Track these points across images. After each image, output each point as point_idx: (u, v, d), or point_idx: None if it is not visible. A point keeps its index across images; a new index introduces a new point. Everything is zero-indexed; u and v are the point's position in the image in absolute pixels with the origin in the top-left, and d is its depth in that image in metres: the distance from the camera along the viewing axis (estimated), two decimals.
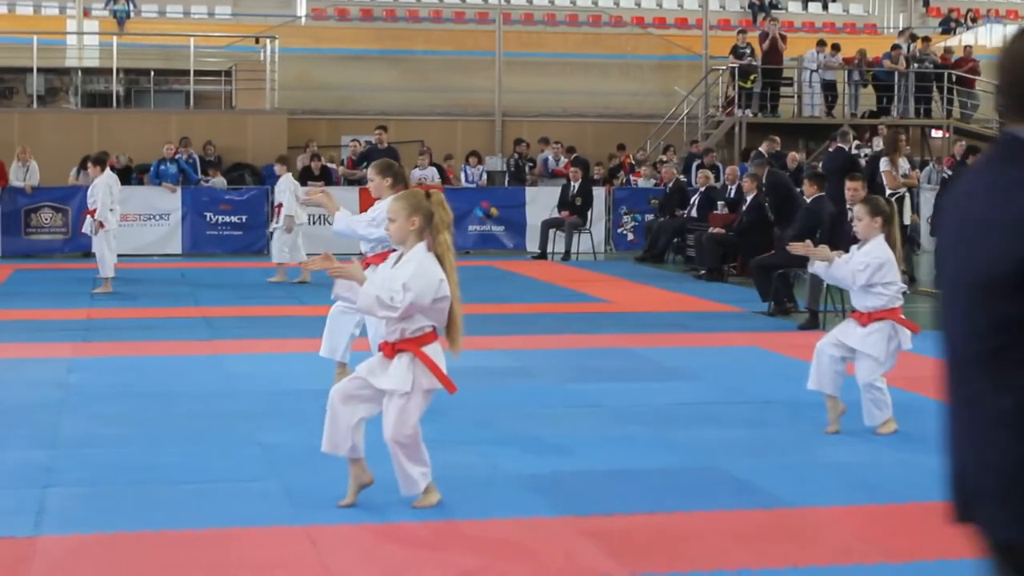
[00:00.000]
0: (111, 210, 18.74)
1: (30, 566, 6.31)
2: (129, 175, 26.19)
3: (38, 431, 9.33)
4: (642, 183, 27.92)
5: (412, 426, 7.18)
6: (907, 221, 19.17)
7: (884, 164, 19.33)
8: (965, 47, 33.94)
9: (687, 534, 6.91)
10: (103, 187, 18.75)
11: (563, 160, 28.34)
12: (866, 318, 9.44)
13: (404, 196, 7.42)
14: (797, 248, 9.72)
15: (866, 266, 9.36)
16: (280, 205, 20.65)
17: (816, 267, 9.69)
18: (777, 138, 26.87)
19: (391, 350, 7.20)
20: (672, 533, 6.93)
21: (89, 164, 19.91)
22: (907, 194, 19.17)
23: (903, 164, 19.54)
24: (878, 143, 21.52)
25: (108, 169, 19.62)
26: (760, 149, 25.95)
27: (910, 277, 20.29)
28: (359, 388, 7.23)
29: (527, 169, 28.49)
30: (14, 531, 6.81)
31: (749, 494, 7.71)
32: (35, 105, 29.08)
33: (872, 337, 9.42)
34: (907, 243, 20.17)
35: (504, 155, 29.68)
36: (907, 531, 7.02)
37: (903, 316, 9.67)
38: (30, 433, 9.27)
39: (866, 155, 21.47)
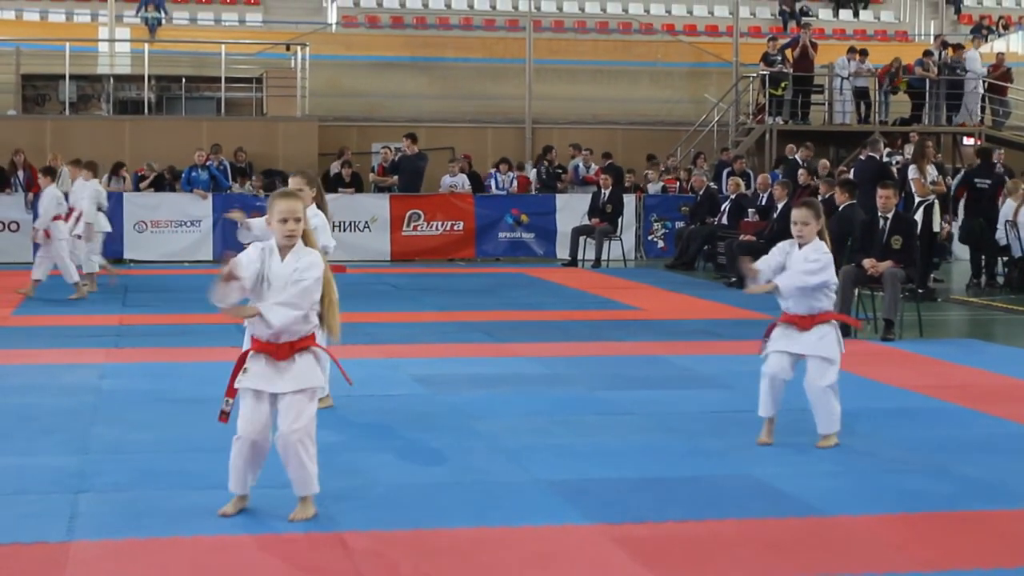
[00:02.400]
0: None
1: (63, 571, 6.33)
2: (162, 182, 26.28)
3: (70, 437, 9.36)
4: (652, 188, 27.89)
5: (313, 422, 7.23)
6: (936, 228, 19.09)
7: (912, 171, 19.28)
8: (997, 54, 33.81)
9: (718, 542, 6.89)
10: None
11: (594, 167, 28.33)
12: (809, 321, 9.31)
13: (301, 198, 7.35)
14: (745, 266, 9.48)
15: (821, 267, 9.27)
16: (78, 212, 19.00)
17: (754, 287, 9.45)
18: (811, 145, 26.88)
19: (289, 350, 7.16)
20: (703, 541, 6.91)
21: (41, 175, 19.43)
22: (936, 201, 19.09)
23: (931, 171, 19.46)
24: (909, 151, 21.44)
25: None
26: (796, 156, 25.94)
27: (934, 283, 20.28)
28: (266, 415, 7.19)
29: (558, 176, 28.48)
30: (47, 536, 6.82)
31: (781, 502, 7.68)
32: (67, 112, 29.22)
33: (826, 340, 9.32)
34: (936, 251, 20.16)
35: (534, 162, 29.65)
36: (941, 540, 6.98)
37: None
38: (63, 439, 9.30)
39: (897, 163, 21.39)
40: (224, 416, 7.23)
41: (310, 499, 7.25)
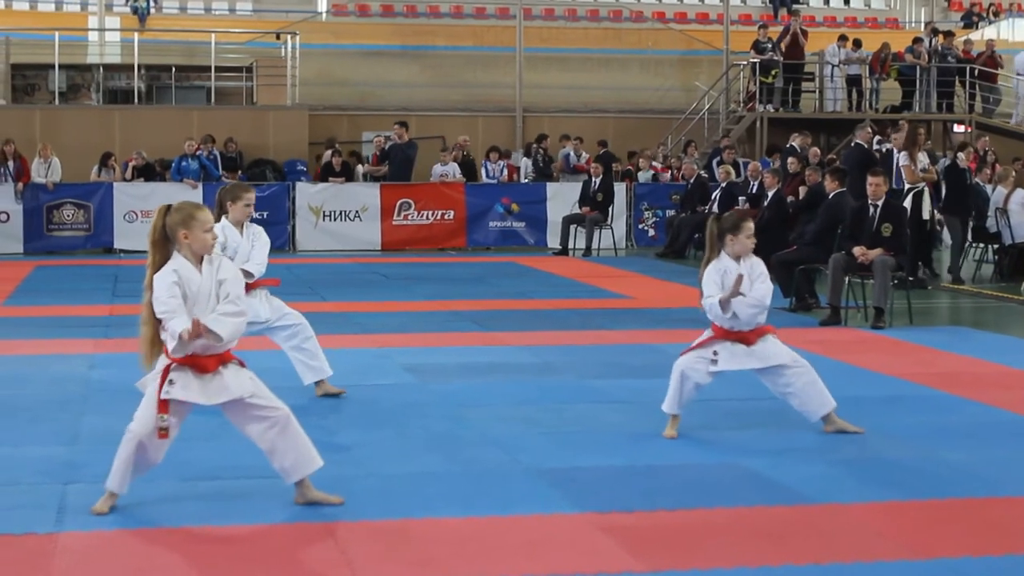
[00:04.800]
0: None
1: (51, 561, 6.32)
2: (152, 172, 26.24)
3: (60, 427, 9.36)
4: (642, 176, 27.86)
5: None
6: (926, 216, 19.09)
7: (903, 158, 19.27)
8: (987, 41, 33.82)
9: (708, 530, 6.89)
10: None
11: (585, 155, 28.32)
12: (755, 335, 9.16)
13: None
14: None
15: (769, 283, 9.22)
16: None
17: (715, 305, 9.06)
18: (807, 132, 26.87)
19: (217, 362, 7.15)
20: (693, 529, 6.92)
21: None
22: (925, 189, 19.09)
23: (922, 159, 19.46)
24: (895, 138, 21.43)
25: None
26: (793, 144, 25.91)
27: (932, 273, 20.28)
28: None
29: (548, 164, 28.46)
30: (36, 527, 6.82)
31: (771, 491, 7.69)
32: (57, 102, 29.19)
33: (778, 344, 9.23)
34: (929, 239, 20.14)
35: (524, 150, 29.63)
36: (930, 528, 6.99)
37: None
38: (52, 429, 9.30)
39: (887, 150, 21.38)
40: (163, 432, 7.15)
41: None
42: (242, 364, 7.28)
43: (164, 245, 7.11)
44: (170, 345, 7.05)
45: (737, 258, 9.17)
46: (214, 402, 7.15)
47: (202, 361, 7.12)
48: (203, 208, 7.23)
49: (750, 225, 9.24)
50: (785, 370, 9.25)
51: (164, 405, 7.08)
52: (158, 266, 7.07)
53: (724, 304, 9.00)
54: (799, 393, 9.26)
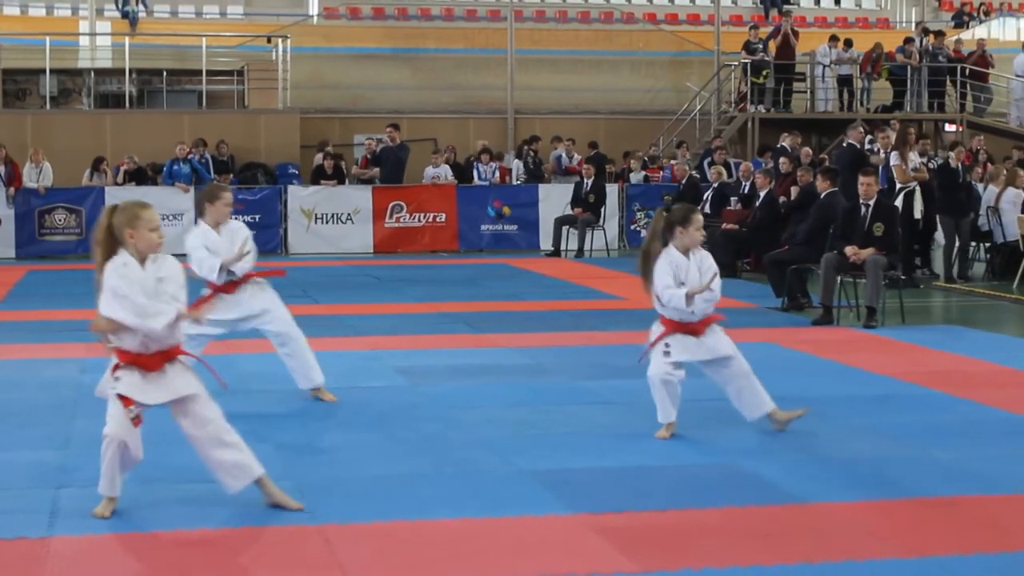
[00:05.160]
0: None
1: (43, 566, 6.32)
2: (144, 176, 26.21)
3: (52, 432, 9.35)
4: (634, 177, 27.85)
5: (220, 415, 7.36)
6: (917, 215, 19.10)
7: (894, 158, 19.28)
8: (978, 40, 33.86)
9: (700, 531, 6.90)
10: None
11: (577, 157, 28.33)
12: (703, 325, 9.18)
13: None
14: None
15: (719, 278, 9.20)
16: None
17: (680, 297, 9.02)
18: (798, 132, 26.90)
19: (162, 360, 7.18)
20: (685, 530, 6.92)
21: None
22: (917, 188, 19.10)
23: (913, 158, 19.47)
24: (885, 139, 21.42)
25: None
26: (784, 144, 25.94)
27: (931, 273, 20.31)
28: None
29: (540, 165, 28.46)
30: (28, 531, 6.82)
31: (762, 490, 7.70)
32: (48, 106, 29.16)
33: (722, 334, 9.29)
34: (922, 238, 20.15)
35: (515, 152, 29.61)
36: (921, 527, 7.00)
37: None
38: (44, 434, 9.30)
39: (878, 150, 21.39)
40: (137, 420, 7.17)
41: (266, 480, 7.30)
42: (193, 359, 7.35)
43: (110, 245, 7.15)
44: (122, 342, 7.12)
45: (686, 251, 9.16)
46: (156, 402, 7.19)
47: (146, 360, 7.15)
48: (148, 207, 7.28)
49: (700, 218, 9.25)
50: (730, 362, 9.28)
51: (126, 399, 7.11)
52: (101, 267, 7.12)
53: (690, 298, 8.99)
54: (739, 388, 9.27)
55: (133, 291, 7.02)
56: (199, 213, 10.47)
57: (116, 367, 7.17)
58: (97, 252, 7.18)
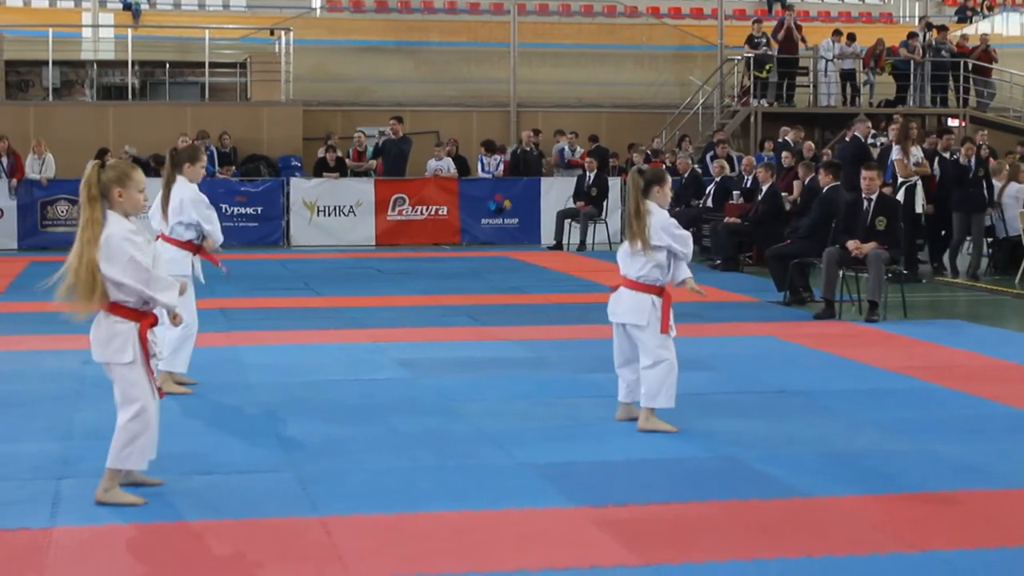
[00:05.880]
0: None
1: (45, 556, 6.32)
2: (146, 168, 26.20)
3: (53, 423, 9.35)
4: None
5: None
6: (919, 210, 19.08)
7: (896, 152, 19.27)
8: (982, 35, 33.82)
9: (702, 524, 6.90)
10: None
11: (580, 150, 28.29)
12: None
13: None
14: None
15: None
16: None
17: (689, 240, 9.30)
18: (800, 127, 26.90)
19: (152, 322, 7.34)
20: (687, 523, 6.92)
21: None
22: (919, 183, 19.09)
23: (916, 153, 19.46)
24: (892, 132, 21.40)
25: None
26: (786, 138, 25.93)
27: (941, 266, 20.30)
28: None
29: (531, 158, 28.30)
30: (30, 522, 6.82)
31: (764, 484, 7.69)
32: (51, 98, 29.17)
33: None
34: (918, 232, 20.12)
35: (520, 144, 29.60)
36: (923, 521, 6.99)
37: None
38: (46, 425, 9.29)
39: (881, 144, 21.37)
40: (162, 392, 7.38)
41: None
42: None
43: (100, 201, 7.14)
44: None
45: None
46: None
47: (151, 317, 7.25)
48: (137, 168, 7.36)
49: (669, 177, 9.38)
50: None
51: (151, 369, 7.23)
52: (99, 222, 7.10)
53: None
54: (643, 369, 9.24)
55: (147, 261, 7.08)
56: (176, 171, 10.57)
57: (144, 328, 7.17)
58: (89, 209, 7.14)
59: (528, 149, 27.95)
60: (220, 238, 10.60)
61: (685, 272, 9.31)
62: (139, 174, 7.22)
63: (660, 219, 9.13)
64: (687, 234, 9.30)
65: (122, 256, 7.01)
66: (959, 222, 20.00)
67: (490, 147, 27.82)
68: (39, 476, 7.79)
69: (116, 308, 7.13)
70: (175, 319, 7.45)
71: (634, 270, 9.15)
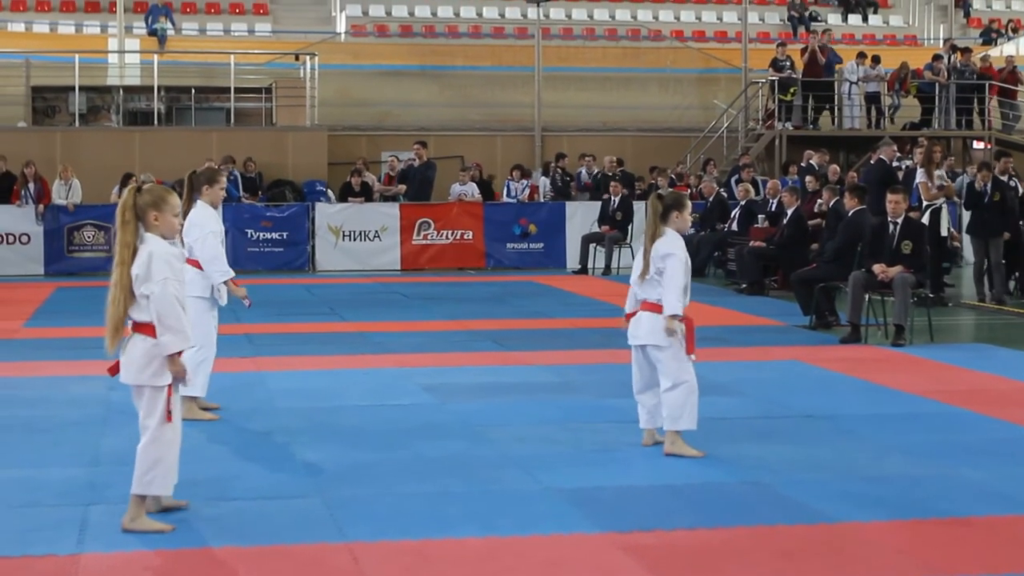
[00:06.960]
0: None
1: None
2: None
3: (80, 448, 9.38)
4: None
5: None
6: (944, 233, 19.02)
7: (920, 175, 19.23)
8: (1007, 58, 33.77)
9: (729, 550, 6.88)
10: None
11: (596, 171, 28.37)
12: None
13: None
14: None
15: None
16: None
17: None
18: (825, 150, 26.88)
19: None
20: (713, 549, 6.90)
21: None
22: (943, 206, 19.03)
23: (940, 175, 19.40)
24: (918, 156, 21.34)
25: None
26: (812, 162, 25.90)
27: (942, 287, 20.20)
28: None
29: (567, 184, 28.46)
30: (57, 548, 6.83)
31: (791, 509, 7.67)
32: (77, 123, 29.29)
33: None
34: (944, 256, 20.06)
35: (542, 169, 29.62)
36: (949, 546, 6.97)
37: None
38: (72, 451, 9.32)
39: (906, 167, 21.32)
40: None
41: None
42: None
43: (135, 225, 7.22)
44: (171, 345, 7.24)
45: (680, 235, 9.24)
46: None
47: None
48: (173, 193, 7.42)
49: (689, 203, 9.33)
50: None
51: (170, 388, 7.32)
52: (132, 245, 7.19)
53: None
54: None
55: (180, 292, 7.24)
56: (195, 194, 10.57)
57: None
58: (124, 232, 7.23)
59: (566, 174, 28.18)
60: (218, 279, 10.49)
61: (670, 305, 9.04)
62: (174, 198, 7.31)
63: (666, 245, 9.09)
64: (680, 270, 9.03)
65: (158, 275, 7.07)
66: (977, 247, 19.89)
67: (524, 171, 27.91)
68: (66, 502, 7.81)
69: (151, 330, 7.19)
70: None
71: (654, 293, 9.13)
